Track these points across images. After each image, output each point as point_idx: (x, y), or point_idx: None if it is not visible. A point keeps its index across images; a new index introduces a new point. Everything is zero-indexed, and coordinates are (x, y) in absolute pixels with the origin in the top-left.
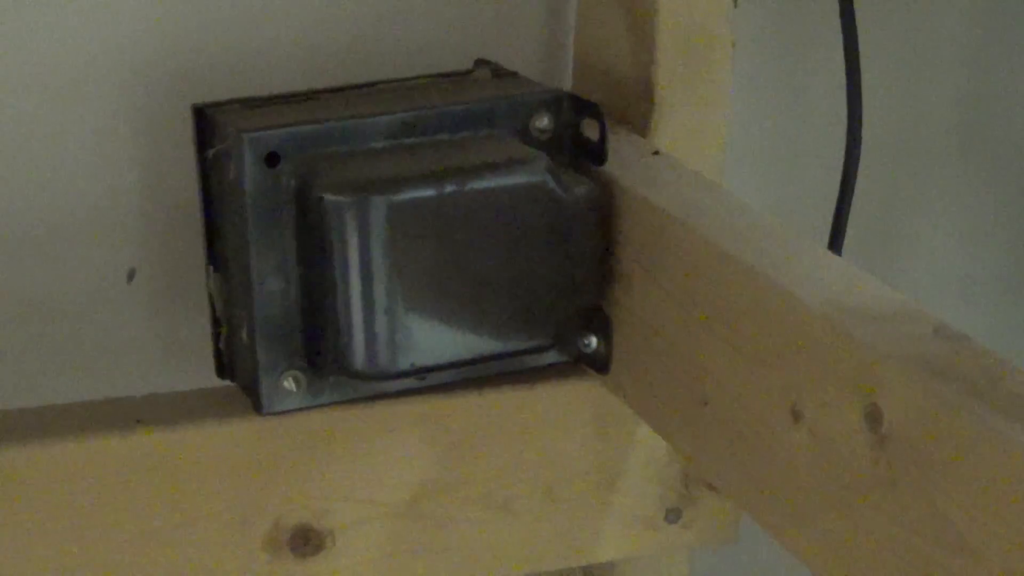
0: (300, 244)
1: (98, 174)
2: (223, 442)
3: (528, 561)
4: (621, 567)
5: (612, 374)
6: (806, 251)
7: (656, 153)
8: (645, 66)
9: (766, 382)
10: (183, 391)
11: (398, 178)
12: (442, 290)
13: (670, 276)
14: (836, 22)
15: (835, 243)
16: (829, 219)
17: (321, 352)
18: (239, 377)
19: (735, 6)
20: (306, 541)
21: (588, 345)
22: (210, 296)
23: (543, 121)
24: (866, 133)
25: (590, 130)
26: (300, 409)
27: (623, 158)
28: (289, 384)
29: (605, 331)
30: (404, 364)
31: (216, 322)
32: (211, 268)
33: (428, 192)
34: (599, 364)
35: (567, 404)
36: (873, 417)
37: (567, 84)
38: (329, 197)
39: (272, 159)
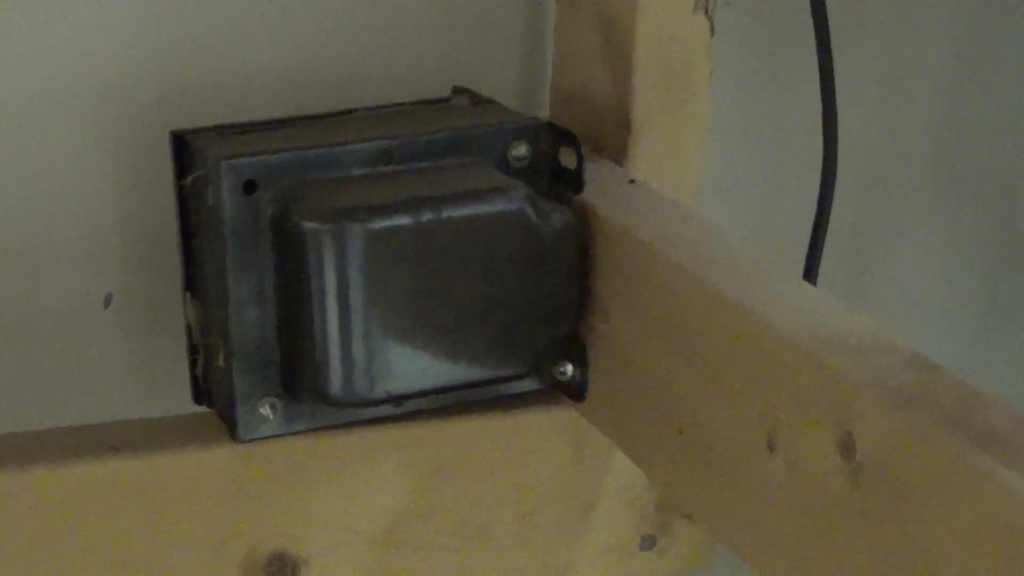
0: (277, 271)
1: (75, 199)
2: (199, 468)
3: None
4: None
5: (588, 402)
6: (782, 280)
7: (633, 181)
8: (622, 94)
9: (741, 411)
10: (159, 417)
11: (376, 206)
12: (419, 318)
13: (646, 304)
14: (812, 51)
15: (810, 270)
16: (805, 247)
17: (298, 379)
18: (215, 403)
19: (712, 34)
20: (282, 568)
21: (564, 373)
22: (187, 322)
23: (521, 149)
24: (842, 161)
25: (567, 158)
26: (276, 436)
27: (600, 186)
28: (265, 411)
29: (581, 359)
30: (380, 391)
31: (193, 348)
32: (188, 294)
33: (405, 220)
34: (575, 392)
35: (543, 432)
36: (847, 447)
37: (544, 111)
38: (306, 224)
39: (250, 186)
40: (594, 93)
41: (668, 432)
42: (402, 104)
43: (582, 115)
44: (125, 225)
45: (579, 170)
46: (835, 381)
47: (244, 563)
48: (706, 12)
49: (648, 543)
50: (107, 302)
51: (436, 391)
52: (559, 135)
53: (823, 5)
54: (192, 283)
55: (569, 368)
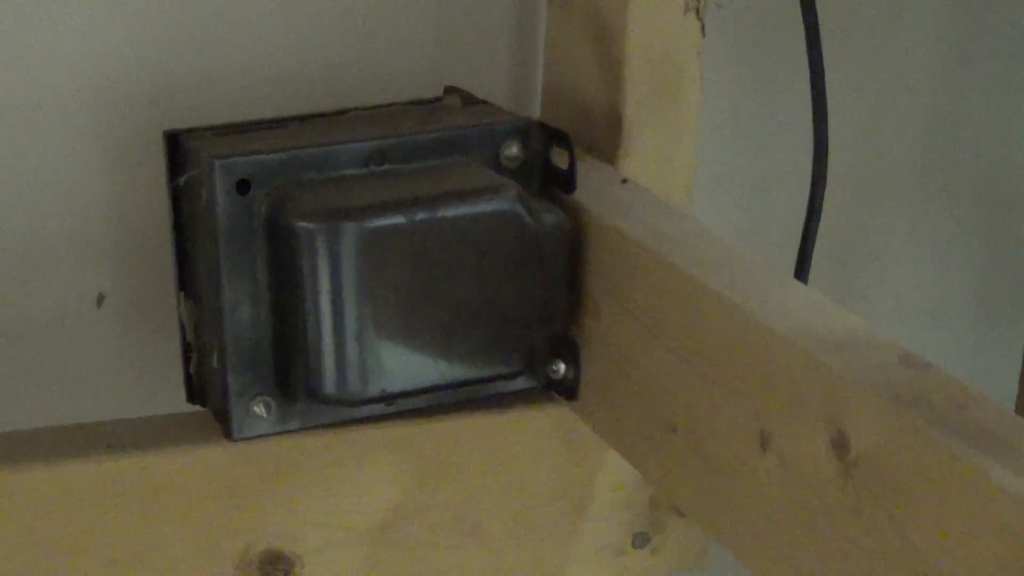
0: (271, 270)
1: (69, 199)
2: (193, 467)
3: None
4: None
5: (581, 400)
6: (774, 279)
7: (624, 181)
8: (613, 94)
9: (734, 409)
10: (153, 416)
11: (369, 205)
12: (412, 316)
13: (638, 303)
14: (803, 51)
15: (802, 269)
16: (795, 246)
17: (291, 378)
18: (209, 402)
19: (703, 35)
20: (276, 565)
21: (557, 372)
22: (181, 322)
23: (513, 149)
24: (832, 159)
25: (559, 158)
26: (270, 434)
27: (592, 186)
28: (259, 410)
29: (574, 358)
30: (374, 390)
31: (187, 347)
32: (182, 294)
33: (399, 219)
34: (567, 390)
35: (536, 430)
36: (840, 444)
37: (535, 112)
38: (300, 224)
39: (243, 186)
40: (585, 93)
41: (661, 430)
42: (395, 104)
43: (573, 115)
44: (118, 225)
45: (571, 170)
46: (828, 379)
47: (239, 561)
48: (697, 13)
49: (641, 541)
50: (100, 302)
51: (429, 390)
52: (551, 135)
53: (813, 5)
54: (186, 283)
55: (562, 367)
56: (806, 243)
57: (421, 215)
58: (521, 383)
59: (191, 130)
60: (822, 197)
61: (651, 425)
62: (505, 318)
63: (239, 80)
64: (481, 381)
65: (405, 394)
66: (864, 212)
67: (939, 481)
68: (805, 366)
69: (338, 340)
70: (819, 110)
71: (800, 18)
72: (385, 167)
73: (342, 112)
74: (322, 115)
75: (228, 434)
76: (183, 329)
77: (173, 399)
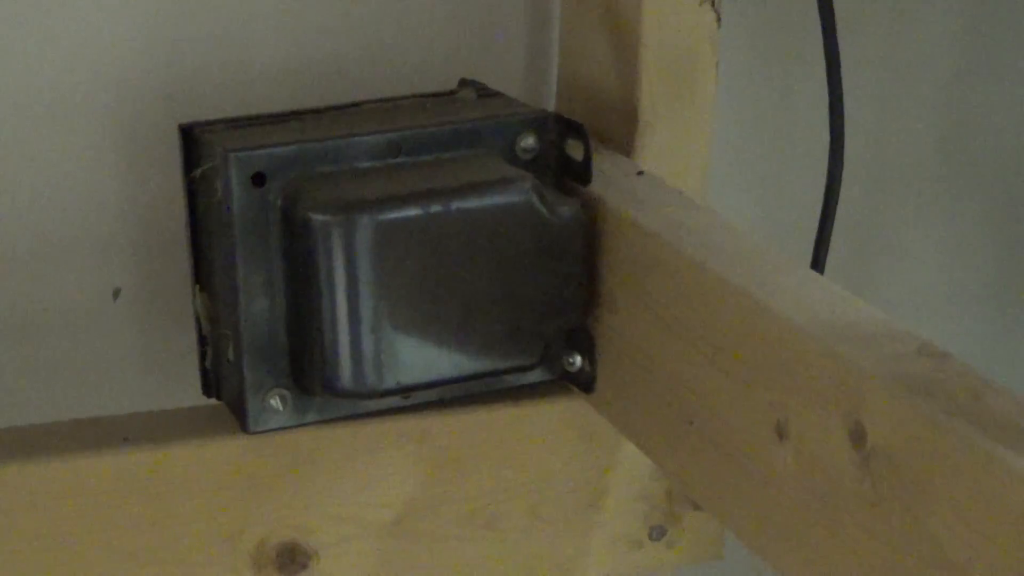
0: (286, 263)
1: (84, 193)
2: (209, 460)
3: None
4: None
5: (597, 393)
6: (791, 270)
7: (640, 173)
8: (629, 86)
9: (751, 401)
10: (169, 409)
11: (384, 198)
12: (428, 309)
13: (655, 295)
14: (818, 40)
15: (818, 261)
16: (812, 235)
17: (307, 371)
18: (225, 395)
19: (719, 26)
20: (292, 559)
21: (573, 364)
22: (196, 315)
23: (528, 141)
24: (849, 149)
25: (574, 150)
26: (286, 428)
27: (607, 178)
28: (275, 403)
29: (589, 350)
30: (390, 383)
31: (202, 341)
32: (197, 287)
33: (414, 211)
34: (584, 383)
35: (552, 422)
36: (857, 435)
37: (550, 104)
38: (315, 216)
39: (259, 179)
40: (600, 85)
41: (678, 422)
42: (409, 97)
43: (588, 107)
44: (133, 219)
45: (587, 162)
46: (845, 370)
47: (254, 554)
48: (712, 4)
49: (657, 533)
50: (116, 295)
51: (445, 382)
52: (566, 127)
53: None
54: (201, 276)
55: (578, 359)
56: (822, 234)
57: (436, 207)
58: (537, 375)
59: (206, 123)
60: (838, 188)
61: (668, 417)
62: (521, 310)
63: (253, 73)
64: (497, 373)
65: (421, 386)
66: (880, 204)
67: (956, 471)
68: (822, 357)
69: (353, 333)
70: (835, 102)
71: (816, 9)
72: (400, 159)
73: (356, 105)
74: (336, 108)
75: (244, 427)
76: (199, 322)
77: (189, 392)
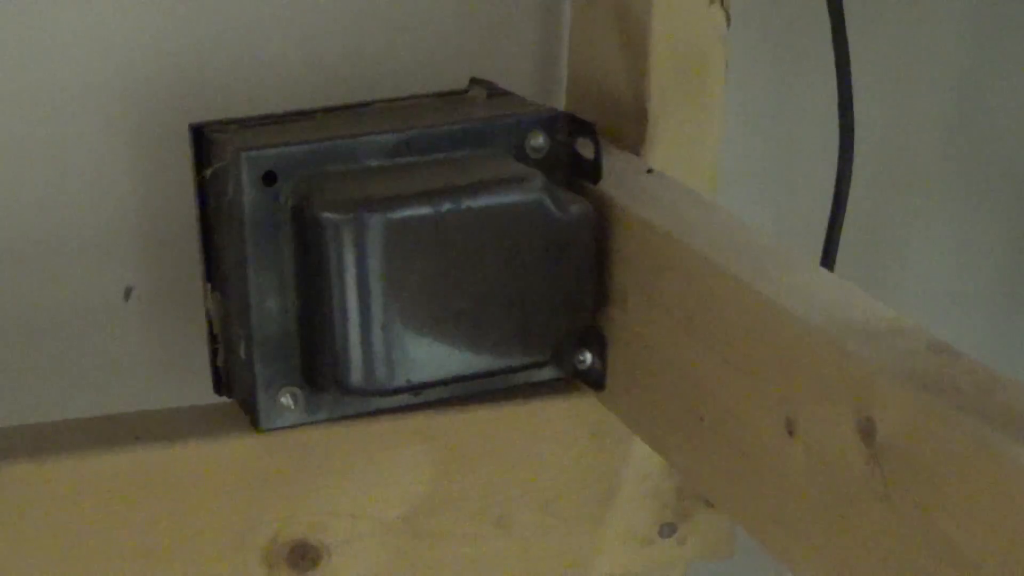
0: (298, 262)
1: (95, 192)
2: (221, 458)
3: None
4: None
5: (607, 390)
6: (801, 268)
7: (650, 171)
8: (639, 85)
9: (761, 397)
10: (181, 407)
11: (395, 196)
12: (439, 307)
13: (665, 293)
14: (828, 40)
15: (828, 258)
16: (822, 235)
17: (318, 369)
18: (237, 393)
19: (728, 25)
20: (303, 556)
21: (583, 362)
22: (207, 313)
23: (538, 140)
24: (858, 149)
25: (584, 149)
26: (297, 425)
27: (617, 176)
28: (286, 400)
29: (600, 348)
30: (400, 380)
31: (214, 339)
32: (209, 286)
33: (425, 210)
34: (594, 380)
35: (563, 420)
36: (867, 431)
37: (560, 103)
38: (326, 215)
39: (270, 178)
40: (610, 84)
41: (688, 419)
42: (419, 96)
43: (598, 106)
44: (145, 218)
45: (597, 160)
46: (855, 366)
47: (266, 552)
48: (722, 3)
49: (668, 531)
50: (127, 294)
51: (456, 379)
52: (577, 126)
53: None
54: (212, 275)
55: (588, 357)
56: (832, 232)
57: (447, 206)
58: (548, 373)
59: (217, 123)
60: (848, 187)
61: (678, 414)
62: (531, 308)
63: (265, 73)
64: (508, 371)
65: (432, 384)
66: (889, 202)
67: (967, 466)
68: (832, 353)
69: (364, 331)
70: (844, 100)
71: (825, 9)
72: (410, 158)
73: (367, 104)
74: (347, 107)
75: (255, 425)
76: (210, 321)
77: (200, 391)
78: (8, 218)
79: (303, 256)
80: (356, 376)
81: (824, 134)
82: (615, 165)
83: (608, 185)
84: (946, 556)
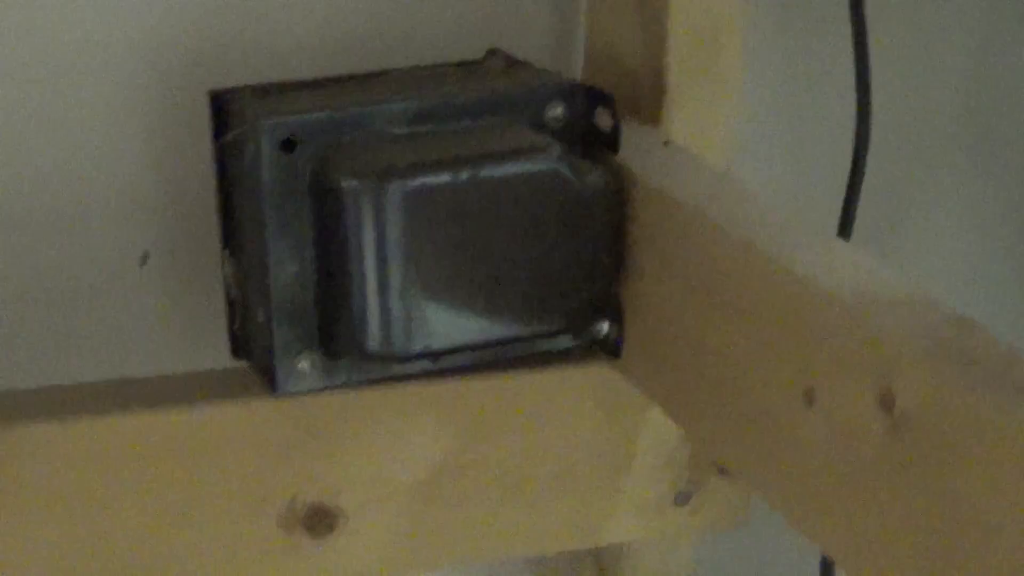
0: (316, 228)
1: (112, 158)
2: (238, 422)
3: (539, 543)
4: (629, 549)
5: (624, 359)
6: (819, 238)
7: (667, 143)
8: (656, 56)
9: (779, 366)
10: (198, 371)
11: (413, 164)
12: (457, 275)
13: (682, 263)
14: (846, 14)
15: (844, 232)
16: (837, 210)
17: (336, 334)
18: (254, 358)
19: None
20: (320, 520)
21: (600, 330)
22: (225, 278)
23: (557, 110)
24: (875, 123)
25: (603, 120)
26: (315, 390)
27: (634, 148)
28: (304, 366)
29: (617, 317)
30: (418, 347)
31: (231, 304)
32: (226, 251)
33: (443, 178)
34: (611, 349)
35: (579, 388)
36: (886, 401)
37: (577, 74)
38: (345, 183)
39: (288, 145)
40: (628, 55)
41: (705, 388)
42: (437, 65)
43: (615, 77)
44: (161, 183)
45: (615, 131)
46: (874, 336)
47: (282, 516)
48: None
49: (682, 499)
50: (144, 260)
51: (473, 347)
52: (595, 96)
53: None
54: (230, 240)
55: (605, 325)
56: (849, 206)
57: (465, 174)
58: (564, 341)
59: (235, 90)
60: (865, 159)
61: (695, 383)
62: (549, 277)
63: (283, 40)
64: (525, 339)
65: (449, 351)
66: (905, 177)
67: (986, 437)
68: (852, 323)
69: (382, 297)
70: (861, 73)
71: None
72: (429, 127)
73: (385, 72)
74: (366, 75)
75: (273, 389)
76: (227, 286)
77: (217, 355)
78: (25, 184)
79: (322, 223)
80: (374, 342)
81: (841, 107)
82: (632, 137)
83: (625, 156)
84: (965, 524)
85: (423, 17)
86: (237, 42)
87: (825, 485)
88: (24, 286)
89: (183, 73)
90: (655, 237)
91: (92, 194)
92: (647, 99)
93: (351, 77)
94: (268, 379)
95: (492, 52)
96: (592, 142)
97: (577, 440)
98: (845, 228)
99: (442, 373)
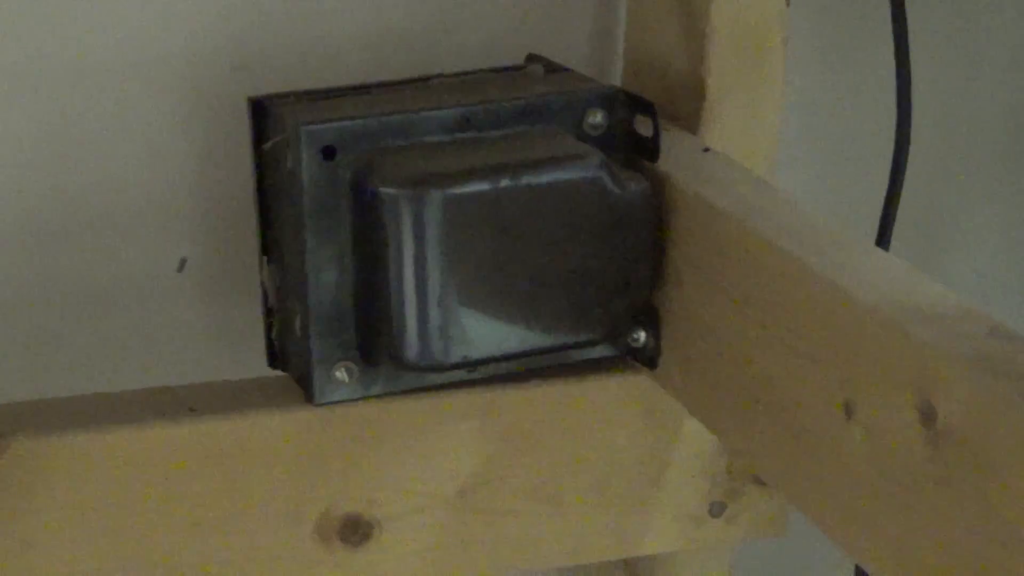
0: (355, 236)
1: (152, 164)
2: (275, 431)
3: (575, 554)
4: (663, 560)
5: (661, 369)
6: (860, 249)
7: (706, 150)
8: (697, 63)
9: (819, 378)
10: (235, 380)
11: (453, 172)
12: (495, 283)
13: (722, 272)
14: (887, 21)
15: (883, 241)
16: (876, 217)
17: (374, 343)
18: (291, 367)
19: (787, 4)
20: (356, 530)
21: (637, 340)
22: (263, 286)
23: (597, 117)
24: (915, 132)
25: (642, 127)
26: (352, 400)
27: (674, 155)
28: (341, 375)
29: (655, 326)
30: (456, 356)
31: (268, 312)
32: (265, 259)
33: (483, 186)
34: (648, 359)
35: (616, 398)
36: (927, 414)
37: (616, 80)
38: (385, 190)
39: (329, 152)
40: (668, 62)
41: (743, 399)
42: (478, 72)
43: (655, 84)
44: (201, 190)
45: (655, 139)
46: (915, 349)
47: (318, 525)
48: None
49: (718, 509)
50: (181, 266)
51: (511, 357)
52: (635, 103)
53: None
54: (269, 248)
55: (642, 335)
56: (887, 215)
57: (505, 182)
58: (601, 351)
59: (276, 96)
60: (904, 167)
61: (733, 394)
62: (587, 286)
63: (324, 47)
64: (562, 348)
65: (487, 361)
66: (945, 187)
67: None
68: (892, 336)
69: (421, 306)
70: (902, 80)
71: None
72: (469, 134)
73: (425, 79)
74: (405, 82)
75: (310, 399)
76: (265, 294)
77: (254, 364)
78: (64, 191)
79: (361, 231)
80: (412, 351)
81: (882, 116)
82: (672, 144)
83: (665, 164)
84: (1006, 541)
85: (463, 24)
86: (278, 49)
87: (863, 499)
88: (61, 293)
89: (225, 79)
90: (694, 246)
91: (131, 200)
92: (687, 105)
93: (391, 84)
94: (305, 388)
95: (532, 58)
96: (632, 149)
97: (614, 450)
98: (884, 236)
99: (479, 382)
